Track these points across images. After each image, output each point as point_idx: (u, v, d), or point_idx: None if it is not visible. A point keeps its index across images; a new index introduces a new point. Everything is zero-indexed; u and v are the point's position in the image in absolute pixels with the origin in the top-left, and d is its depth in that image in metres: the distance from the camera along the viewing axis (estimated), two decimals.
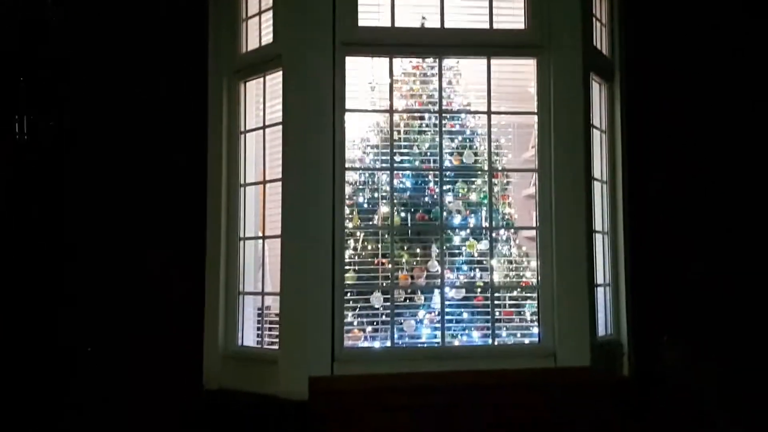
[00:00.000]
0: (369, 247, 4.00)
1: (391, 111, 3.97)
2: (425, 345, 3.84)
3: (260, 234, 4.24)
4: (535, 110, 4.00)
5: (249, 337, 4.16)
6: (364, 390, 3.48)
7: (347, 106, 3.86)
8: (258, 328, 4.15)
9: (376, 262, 3.96)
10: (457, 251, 4.03)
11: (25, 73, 4.13)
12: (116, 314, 4.17)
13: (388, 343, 3.79)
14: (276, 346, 3.89)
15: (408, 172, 4.04)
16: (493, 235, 4.03)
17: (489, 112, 3.97)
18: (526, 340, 3.92)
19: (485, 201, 4.05)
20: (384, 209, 3.97)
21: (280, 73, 3.99)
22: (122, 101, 4.27)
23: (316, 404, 3.40)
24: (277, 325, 3.91)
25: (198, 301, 4.20)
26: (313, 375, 3.53)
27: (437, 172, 3.98)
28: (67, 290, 4.14)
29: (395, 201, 3.97)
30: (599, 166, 4.37)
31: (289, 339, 3.76)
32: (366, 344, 3.82)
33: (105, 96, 4.27)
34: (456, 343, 3.86)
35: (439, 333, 3.83)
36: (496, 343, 3.86)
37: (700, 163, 4.63)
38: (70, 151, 4.20)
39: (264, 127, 4.14)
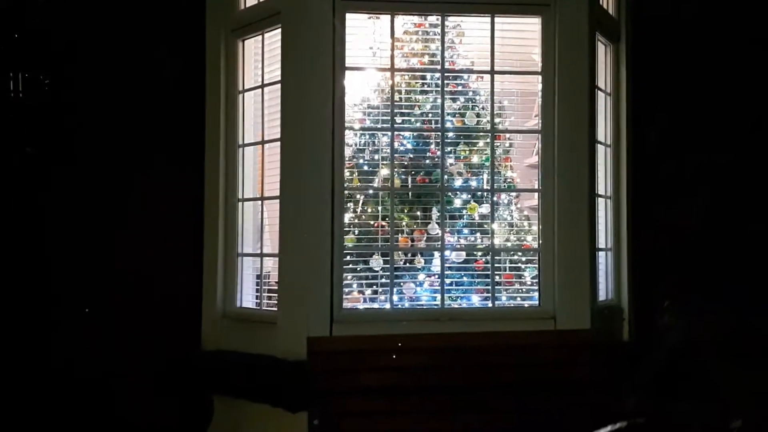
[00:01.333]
0: (369, 210, 3.96)
1: (392, 69, 3.89)
2: (424, 307, 3.82)
3: (259, 195, 4.20)
4: (539, 70, 3.92)
5: (248, 299, 4.14)
6: (363, 350, 3.48)
7: (347, 65, 3.78)
8: (257, 290, 4.13)
9: (375, 224, 3.92)
10: (457, 214, 3.99)
11: (20, 30, 4.06)
12: (114, 275, 4.15)
13: (387, 306, 3.78)
14: (275, 308, 3.88)
15: (409, 134, 3.98)
16: (495, 198, 3.98)
17: (492, 72, 3.90)
18: (526, 304, 3.90)
19: (487, 163, 3.99)
20: (384, 171, 3.92)
21: (279, 30, 3.91)
22: (118, 59, 4.20)
23: (315, 364, 3.39)
24: (276, 287, 3.90)
25: (196, 263, 4.17)
26: (312, 336, 3.52)
27: (438, 134, 3.92)
28: (61, 247, 4.12)
29: (395, 163, 3.91)
30: (603, 129, 4.30)
31: (288, 300, 3.74)
32: (365, 306, 3.81)
33: (101, 53, 4.20)
34: (455, 305, 3.84)
35: (438, 296, 3.81)
36: (495, 306, 3.84)
37: (706, 127, 4.56)
38: (64, 109, 4.13)
39: (263, 86, 4.07)
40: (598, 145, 4.19)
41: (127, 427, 4.03)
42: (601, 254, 4.22)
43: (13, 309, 4.06)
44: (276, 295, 3.88)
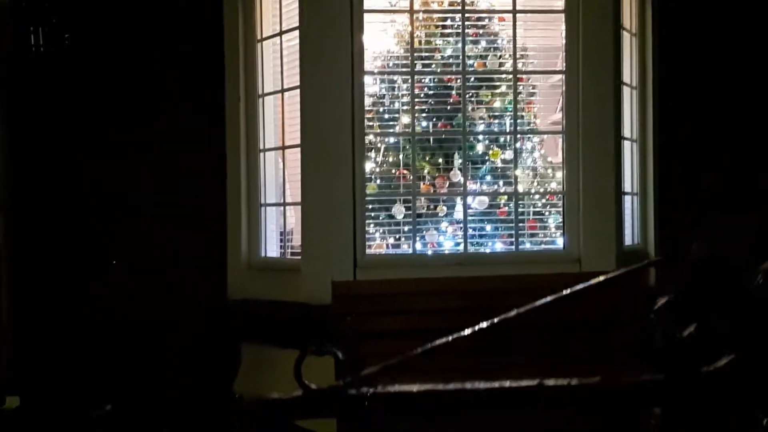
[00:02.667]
0: (390, 159, 3.95)
1: (411, 11, 3.83)
2: (447, 253, 3.82)
3: (280, 145, 4.20)
4: (562, 8, 3.82)
5: (272, 248, 4.18)
6: (387, 294, 3.49)
7: (366, 8, 3.73)
8: (280, 239, 4.16)
9: (397, 172, 3.91)
10: (480, 160, 3.96)
11: None
12: (140, 227, 4.20)
13: (410, 251, 3.78)
14: (298, 257, 3.91)
15: (429, 79, 3.93)
16: (518, 144, 3.94)
17: (514, 11, 3.81)
18: (551, 248, 3.88)
19: (510, 107, 3.94)
20: (405, 119, 3.89)
21: None
22: (133, 11, 4.18)
23: (339, 307, 3.42)
24: (300, 236, 3.92)
25: (220, 214, 4.21)
26: (336, 280, 3.54)
27: (459, 77, 3.86)
28: (87, 200, 4.17)
29: (416, 109, 3.87)
30: (629, 70, 4.20)
31: (312, 247, 3.77)
32: (388, 252, 3.82)
33: (116, 5, 4.18)
34: (479, 251, 3.84)
35: (461, 242, 3.81)
36: (519, 250, 3.83)
37: (736, 67, 4.43)
38: (85, 63, 4.14)
39: (281, 34, 4.04)
40: (624, 86, 4.10)
41: (157, 377, 4.12)
42: (627, 198, 4.17)
43: (41, 263, 4.14)
44: (299, 243, 3.91)
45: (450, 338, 0.96)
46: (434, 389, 0.93)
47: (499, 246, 3.87)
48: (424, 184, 3.93)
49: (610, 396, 0.94)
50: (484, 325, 0.98)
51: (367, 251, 3.75)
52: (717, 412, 0.94)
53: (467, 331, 0.97)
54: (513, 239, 3.85)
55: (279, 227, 4.18)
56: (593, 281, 1.02)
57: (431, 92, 3.96)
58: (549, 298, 1.01)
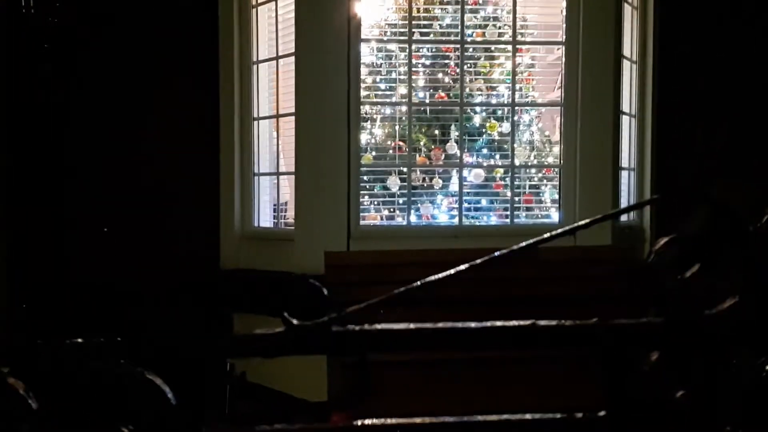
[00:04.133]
0: (386, 130, 3.90)
1: None
2: (442, 225, 3.79)
3: (275, 113, 4.14)
4: None
5: (265, 218, 4.14)
6: (380, 264, 3.45)
7: None
8: (274, 209, 4.12)
9: (392, 144, 3.86)
10: (477, 133, 3.91)
11: None
12: (130, 196, 4.15)
13: (404, 223, 3.75)
14: (292, 227, 3.87)
15: (427, 48, 3.87)
16: (515, 117, 3.90)
17: None
18: (546, 222, 3.85)
19: (508, 80, 3.88)
20: (402, 89, 3.84)
21: None
22: None
23: (332, 277, 3.38)
24: (293, 206, 3.88)
25: (213, 182, 4.16)
26: (329, 250, 3.50)
27: (458, 47, 3.80)
28: (78, 167, 4.11)
29: (413, 78, 3.82)
30: (629, 45, 4.15)
31: (305, 217, 3.73)
32: (382, 223, 3.79)
33: None
34: (474, 223, 3.81)
35: (456, 215, 3.77)
36: (514, 223, 3.80)
37: (736, 45, 4.38)
38: (77, 29, 4.06)
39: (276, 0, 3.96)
40: (624, 60, 4.05)
41: (146, 347, 4.09)
42: (624, 174, 4.13)
43: (33, 229, 4.09)
44: (293, 213, 3.87)
45: (439, 276, 0.92)
46: (422, 327, 0.89)
47: (494, 219, 3.84)
48: (419, 156, 3.88)
49: (605, 338, 0.90)
50: (478, 261, 0.94)
51: (361, 222, 3.72)
52: (717, 356, 0.90)
53: (462, 267, 0.93)
54: (508, 212, 3.81)
55: (273, 197, 4.14)
56: (584, 222, 0.98)
57: (428, 62, 3.90)
58: (529, 242, 0.97)
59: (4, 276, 4.10)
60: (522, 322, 0.89)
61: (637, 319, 0.94)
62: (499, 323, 0.89)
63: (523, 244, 1.01)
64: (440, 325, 0.88)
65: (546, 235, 1.00)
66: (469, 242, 3.64)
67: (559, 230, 0.99)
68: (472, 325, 0.88)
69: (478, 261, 0.93)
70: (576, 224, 1.00)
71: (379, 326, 0.88)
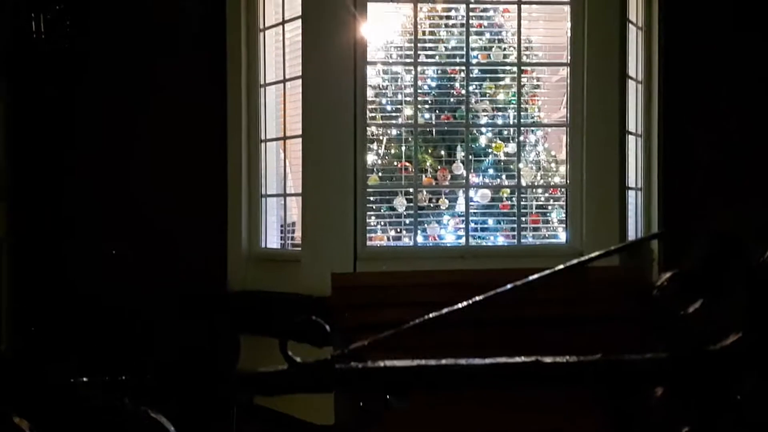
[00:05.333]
0: (392, 150, 3.92)
1: (415, 1, 3.78)
2: (449, 246, 3.79)
3: (282, 135, 4.16)
4: (568, 0, 3.78)
5: (272, 240, 4.15)
6: (386, 285, 3.46)
7: None
8: (281, 230, 4.13)
9: (399, 164, 3.88)
10: (483, 153, 3.92)
11: None
12: (137, 217, 4.17)
13: (411, 244, 3.75)
14: (299, 248, 3.88)
15: (432, 70, 3.90)
16: (521, 137, 3.91)
17: (519, 2, 3.77)
18: (553, 242, 3.85)
19: (513, 100, 3.90)
20: (407, 110, 3.86)
21: None
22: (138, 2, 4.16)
23: (338, 299, 3.39)
24: (300, 227, 3.90)
25: (221, 204, 4.18)
26: (336, 272, 3.51)
27: (463, 68, 3.82)
28: (84, 187, 4.15)
29: (419, 100, 3.84)
30: (634, 64, 4.16)
31: (312, 238, 3.73)
32: (389, 244, 3.79)
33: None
34: (480, 243, 3.81)
35: (463, 235, 3.77)
36: (521, 243, 3.79)
37: (742, 60, 4.38)
38: (86, 51, 4.11)
39: (283, 23, 4.00)
40: (630, 80, 4.06)
41: (155, 368, 4.09)
42: (631, 194, 4.13)
43: (42, 249, 4.12)
44: (300, 234, 3.89)
45: (444, 311, 0.93)
46: (427, 364, 0.89)
47: (501, 239, 3.84)
48: (426, 176, 3.89)
49: (610, 374, 0.90)
50: (479, 298, 0.94)
51: (368, 243, 3.72)
52: (722, 391, 0.90)
53: (462, 304, 0.93)
54: (515, 233, 3.81)
55: (280, 218, 4.15)
56: (594, 254, 0.99)
57: (434, 84, 3.93)
58: (546, 272, 0.97)
59: (11, 299, 4.12)
60: (526, 359, 0.89)
61: (642, 348, 0.94)
62: (503, 360, 0.89)
63: (541, 274, 1.02)
64: (444, 362, 0.88)
65: (560, 267, 1.01)
66: (476, 263, 3.64)
67: (574, 261, 1.00)
68: (477, 361, 0.88)
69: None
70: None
71: (382, 363, 0.88)
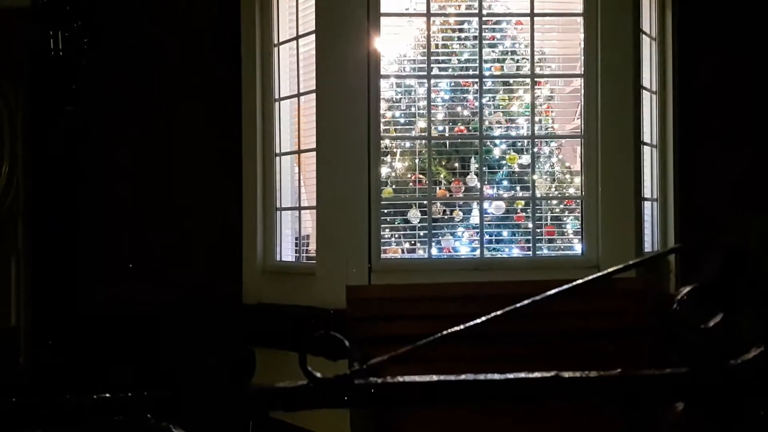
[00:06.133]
0: (406, 163, 3.92)
1: (428, 14, 3.81)
2: (463, 258, 3.78)
3: (296, 149, 4.19)
4: (581, 11, 3.79)
5: (287, 253, 4.16)
6: (401, 298, 3.45)
7: (382, 11, 3.72)
8: (296, 243, 4.14)
9: (412, 177, 3.88)
10: (497, 165, 3.92)
11: None
12: (153, 231, 4.21)
13: (426, 256, 3.75)
14: (314, 261, 3.88)
15: (445, 83, 3.91)
16: (535, 149, 3.90)
17: (532, 14, 3.78)
18: (569, 254, 3.83)
19: (527, 112, 3.90)
20: (421, 123, 3.87)
21: None
22: (153, 15, 4.21)
23: (354, 312, 3.38)
24: (315, 240, 3.90)
25: (236, 217, 4.20)
26: (351, 284, 3.51)
27: (476, 81, 3.83)
28: (103, 203, 4.19)
29: (432, 112, 3.85)
30: (648, 75, 4.15)
31: (326, 251, 3.74)
32: (403, 256, 3.79)
33: (136, 9, 4.21)
34: (495, 255, 3.79)
35: (477, 247, 3.76)
36: (536, 255, 3.78)
37: (756, 72, 4.35)
38: (103, 67, 4.17)
39: (297, 38, 4.03)
40: (644, 91, 4.04)
41: (170, 380, 4.10)
42: (647, 204, 4.10)
43: (60, 265, 4.16)
44: (314, 248, 3.89)
45: (462, 327, 0.92)
46: (446, 380, 0.89)
47: (516, 251, 3.82)
48: (440, 188, 3.89)
49: (629, 389, 0.90)
50: (498, 313, 0.94)
51: (382, 256, 3.72)
52: (745, 406, 0.89)
53: (481, 319, 0.93)
54: (530, 245, 3.80)
55: (294, 231, 4.17)
56: (611, 269, 0.98)
57: (447, 96, 3.94)
58: (565, 287, 0.97)
59: (28, 312, 4.16)
60: (545, 374, 0.89)
61: (661, 361, 0.94)
62: (522, 375, 0.89)
63: (559, 289, 1.01)
64: (463, 377, 0.88)
65: (579, 282, 1.00)
66: (491, 275, 3.62)
67: (591, 276, 1.00)
68: (496, 377, 0.88)
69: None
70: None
71: (401, 378, 0.88)
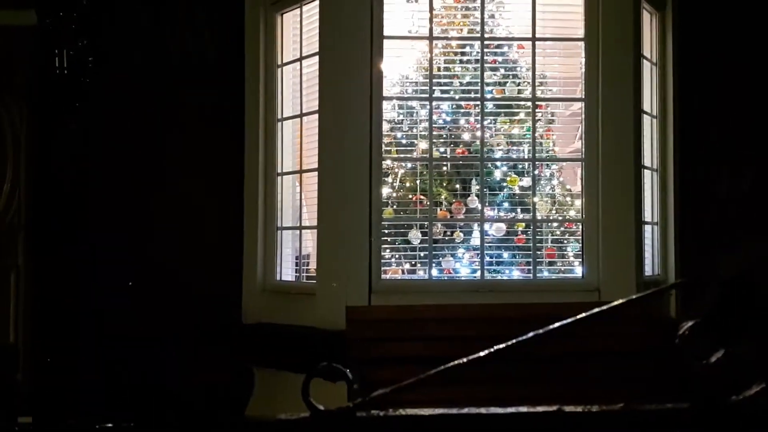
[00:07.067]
0: (407, 184, 3.93)
1: (430, 38, 3.84)
2: (464, 279, 3.78)
3: (298, 169, 4.20)
4: (582, 36, 3.82)
5: (287, 272, 4.16)
6: (401, 319, 3.44)
7: (385, 35, 3.76)
8: (296, 263, 4.14)
9: (414, 198, 3.89)
10: (497, 187, 3.93)
11: (64, 8, 4.14)
12: (154, 249, 4.21)
13: (426, 277, 3.75)
14: (314, 281, 3.88)
15: (447, 105, 3.93)
16: (536, 171, 3.91)
17: (534, 39, 3.82)
18: (569, 277, 3.82)
19: (528, 134, 3.92)
20: (423, 144, 3.89)
21: (317, 3, 3.90)
22: (158, 35, 4.25)
23: (353, 333, 3.37)
24: (315, 260, 3.90)
25: (237, 236, 4.20)
26: (350, 305, 3.51)
27: (478, 103, 3.86)
28: (103, 221, 4.19)
29: (434, 134, 3.87)
30: (649, 99, 4.17)
31: (327, 271, 3.74)
32: (404, 277, 3.79)
33: (141, 29, 4.25)
34: (496, 277, 3.79)
35: (478, 268, 3.76)
36: (537, 278, 3.77)
37: (757, 98, 4.38)
38: (106, 86, 4.20)
39: (300, 59, 4.07)
40: (645, 115, 4.07)
41: (169, 398, 4.08)
42: (648, 228, 4.11)
43: (60, 282, 4.15)
44: (315, 267, 3.89)
45: (465, 360, 0.93)
46: (448, 413, 0.89)
47: (516, 274, 3.82)
48: (440, 209, 3.90)
49: (632, 424, 0.90)
50: (501, 346, 0.94)
51: (383, 276, 3.72)
52: None
53: (483, 353, 0.93)
54: (531, 267, 3.80)
55: (295, 250, 4.17)
56: (614, 303, 0.99)
57: (449, 118, 3.96)
58: (567, 321, 0.97)
59: (26, 329, 4.15)
60: (548, 408, 0.89)
61: (659, 386, 0.94)
62: (524, 409, 0.89)
63: (562, 323, 1.02)
64: (466, 411, 0.88)
65: (583, 315, 1.01)
66: (491, 297, 3.62)
67: (596, 309, 1.00)
68: (499, 411, 0.88)
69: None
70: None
71: (403, 412, 0.88)
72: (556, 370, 3.35)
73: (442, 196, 3.91)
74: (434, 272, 3.77)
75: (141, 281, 4.19)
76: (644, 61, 4.08)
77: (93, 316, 4.13)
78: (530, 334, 0.95)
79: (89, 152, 4.20)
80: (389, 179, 3.90)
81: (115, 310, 4.13)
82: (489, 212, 3.87)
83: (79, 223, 4.19)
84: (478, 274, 3.76)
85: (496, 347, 0.95)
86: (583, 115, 3.85)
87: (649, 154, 4.16)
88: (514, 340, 0.95)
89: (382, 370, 3.42)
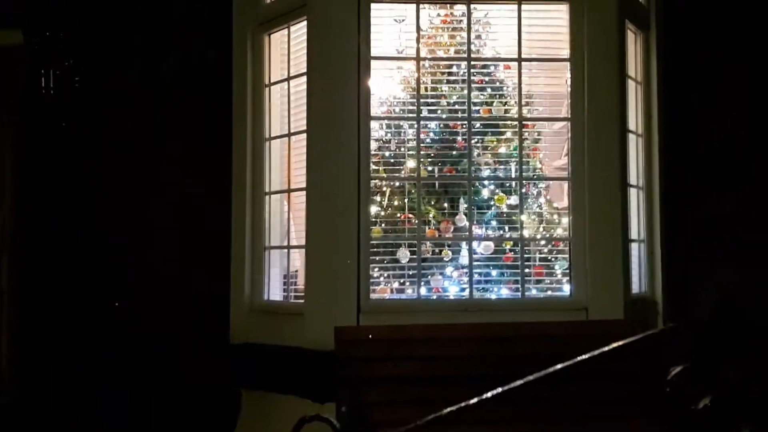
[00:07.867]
0: (395, 203, 3.94)
1: (417, 58, 3.87)
2: (452, 298, 3.78)
3: (286, 188, 4.20)
4: (568, 57, 3.86)
5: (275, 292, 4.14)
6: (390, 339, 3.43)
7: (373, 55, 3.78)
8: (284, 282, 4.12)
9: (402, 216, 3.90)
10: (485, 206, 3.94)
11: (51, 28, 4.13)
12: (142, 269, 4.18)
13: (415, 297, 3.74)
14: (302, 300, 3.86)
15: (435, 124, 3.95)
16: (523, 190, 3.93)
17: (519, 59, 3.85)
18: (557, 296, 3.83)
19: (515, 153, 3.94)
20: (411, 163, 3.90)
21: (305, 23, 3.92)
22: (146, 55, 4.25)
23: (342, 353, 3.36)
24: (303, 280, 3.89)
25: (224, 256, 4.18)
26: (339, 325, 3.49)
27: (465, 123, 3.88)
28: (93, 241, 4.16)
29: (422, 153, 3.88)
30: (634, 119, 4.22)
31: (315, 291, 3.73)
32: (392, 297, 3.77)
33: (129, 49, 4.25)
34: (484, 296, 3.79)
35: (467, 287, 3.76)
36: (525, 296, 3.78)
37: (740, 117, 4.45)
38: (92, 106, 4.19)
39: (288, 79, 4.08)
40: (630, 134, 4.11)
41: (156, 419, 4.04)
42: (634, 246, 4.13)
43: (50, 300, 4.11)
44: (303, 287, 3.88)
45: (463, 404, 0.92)
46: None
47: (504, 292, 3.82)
48: (429, 228, 3.90)
49: None
50: (499, 390, 0.94)
51: (372, 296, 3.71)
52: None
53: (489, 395, 0.93)
54: (519, 285, 3.80)
55: (283, 270, 4.15)
56: (614, 345, 0.99)
57: (437, 137, 3.98)
58: (570, 362, 0.97)
59: (11, 351, 4.09)
60: None
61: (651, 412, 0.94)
62: None
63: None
64: None
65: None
66: (479, 316, 3.62)
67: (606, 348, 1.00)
68: None
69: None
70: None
71: None
72: (545, 393, 3.34)
73: (431, 215, 3.92)
74: (423, 291, 3.76)
75: (125, 303, 4.16)
76: (629, 80, 4.12)
77: (77, 338, 4.09)
78: (531, 377, 0.95)
79: (75, 171, 4.18)
80: (377, 198, 3.90)
81: (100, 332, 4.09)
82: (477, 230, 3.88)
83: (64, 245, 4.15)
84: (467, 292, 3.75)
85: (492, 392, 0.95)
86: (569, 134, 3.88)
87: (635, 173, 4.20)
88: (520, 381, 0.95)
89: (370, 391, 3.41)
